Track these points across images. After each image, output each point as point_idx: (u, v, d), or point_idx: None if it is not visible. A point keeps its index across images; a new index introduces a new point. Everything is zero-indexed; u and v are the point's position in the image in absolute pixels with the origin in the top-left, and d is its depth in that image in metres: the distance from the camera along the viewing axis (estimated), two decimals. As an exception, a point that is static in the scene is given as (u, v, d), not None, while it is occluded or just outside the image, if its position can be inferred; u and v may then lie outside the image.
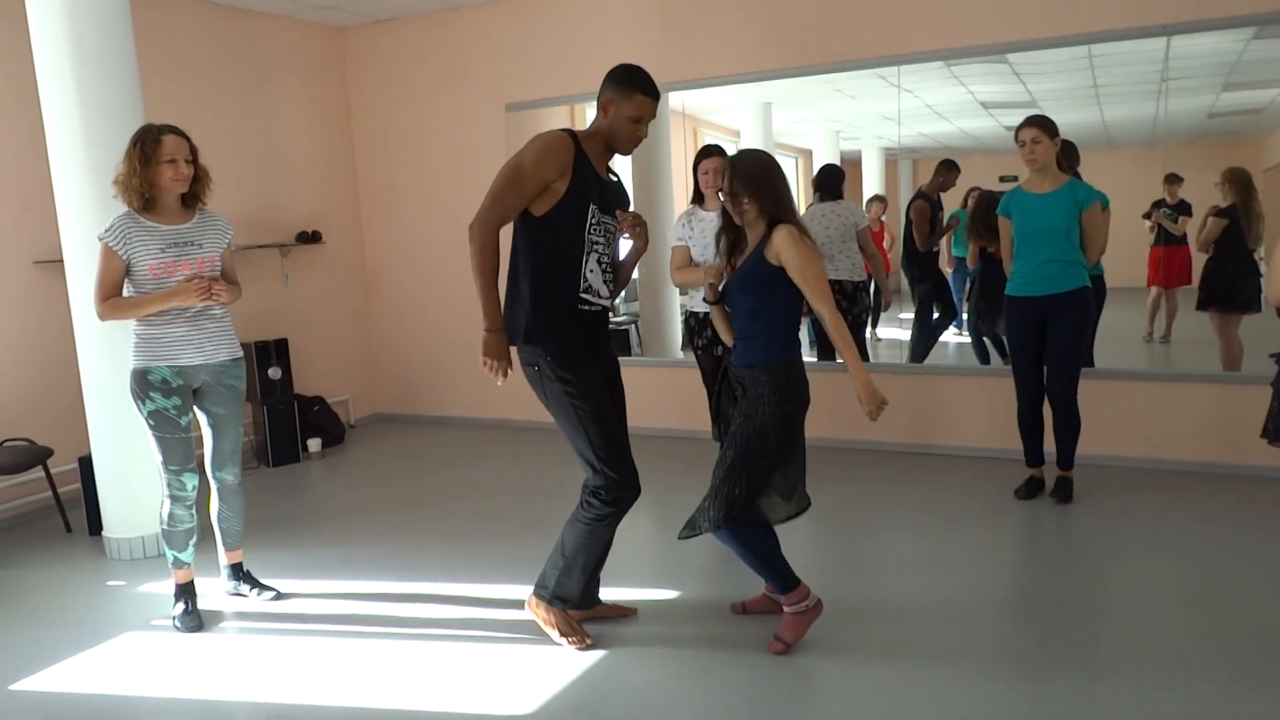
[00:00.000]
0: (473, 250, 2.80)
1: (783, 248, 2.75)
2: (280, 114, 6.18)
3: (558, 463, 5.53)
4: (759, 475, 2.83)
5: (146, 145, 3.17)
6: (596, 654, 3.02)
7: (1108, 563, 3.63)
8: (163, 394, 3.26)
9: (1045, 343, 4.16)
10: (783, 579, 2.91)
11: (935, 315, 5.88)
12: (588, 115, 6.62)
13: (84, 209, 3.99)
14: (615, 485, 2.89)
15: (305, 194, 6.38)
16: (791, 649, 2.93)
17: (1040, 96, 5.59)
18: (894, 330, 6.29)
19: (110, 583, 3.91)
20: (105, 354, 4.05)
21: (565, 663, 2.98)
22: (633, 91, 2.84)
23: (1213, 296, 5.00)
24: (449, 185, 6.47)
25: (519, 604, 3.46)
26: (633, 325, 6.93)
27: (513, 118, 6.20)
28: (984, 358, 5.64)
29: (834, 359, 5.42)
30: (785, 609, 2.95)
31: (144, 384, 3.25)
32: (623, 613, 3.31)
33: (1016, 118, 5.92)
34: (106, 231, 3.20)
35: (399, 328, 6.85)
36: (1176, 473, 4.70)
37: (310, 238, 6.22)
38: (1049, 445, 4.35)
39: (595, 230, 2.88)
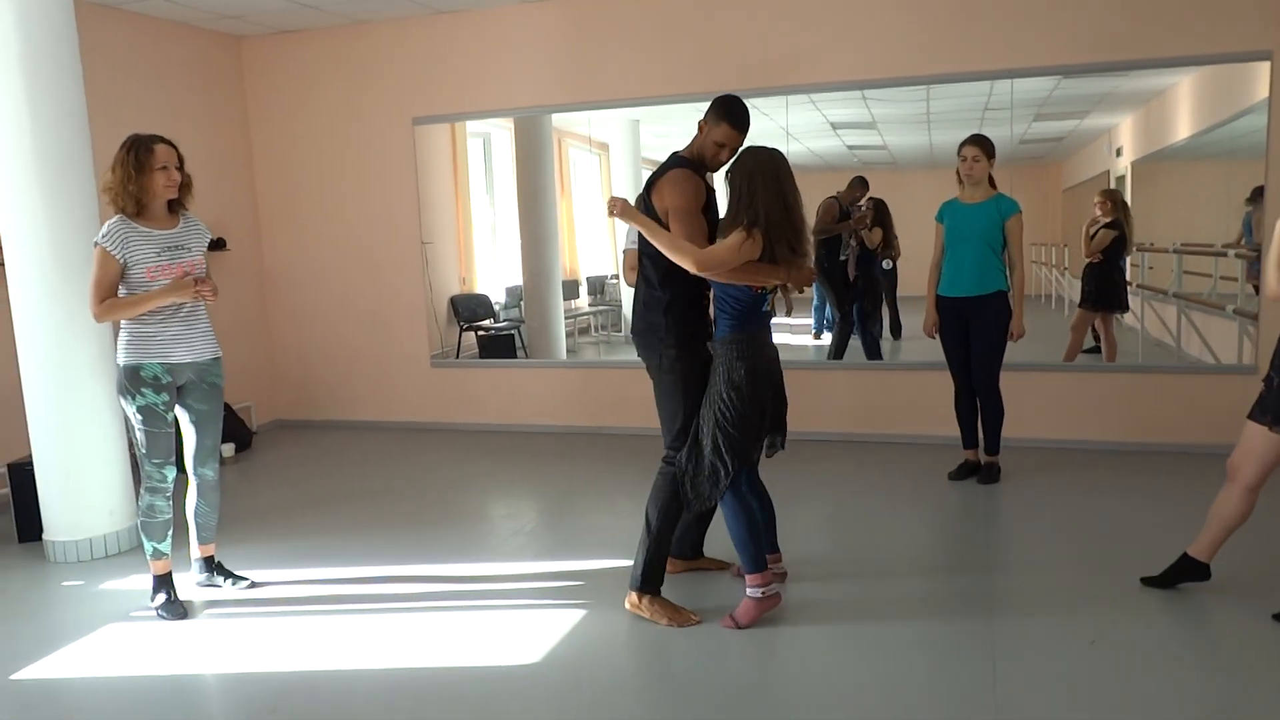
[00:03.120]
0: (710, 268, 3.08)
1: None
2: (178, 121, 6.14)
3: (464, 460, 5.85)
4: (734, 443, 3.14)
5: (140, 154, 3.33)
6: (580, 613, 3.40)
7: (1010, 528, 4.31)
8: (153, 390, 3.41)
9: (969, 338, 4.70)
10: (754, 559, 3.19)
11: (839, 316, 6.52)
12: (469, 129, 6.96)
13: (29, 211, 4.02)
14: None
15: (205, 202, 6.36)
16: (741, 628, 3.19)
17: (881, 119, 6.31)
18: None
19: (66, 583, 3.94)
20: (50, 355, 4.09)
21: (552, 622, 3.33)
22: (720, 121, 3.24)
23: (1105, 299, 5.83)
24: (354, 195, 6.63)
25: (488, 578, 3.81)
26: (516, 330, 7.29)
27: (421, 131, 6.44)
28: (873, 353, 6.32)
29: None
30: (747, 591, 3.22)
31: (135, 380, 3.39)
32: (721, 565, 3.73)
33: (859, 138, 6.67)
34: (104, 236, 3.33)
35: (299, 334, 6.93)
36: (1098, 452, 5.39)
37: (215, 245, 6.23)
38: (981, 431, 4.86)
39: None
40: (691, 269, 3.07)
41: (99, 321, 3.41)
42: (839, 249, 6.44)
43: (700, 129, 3.31)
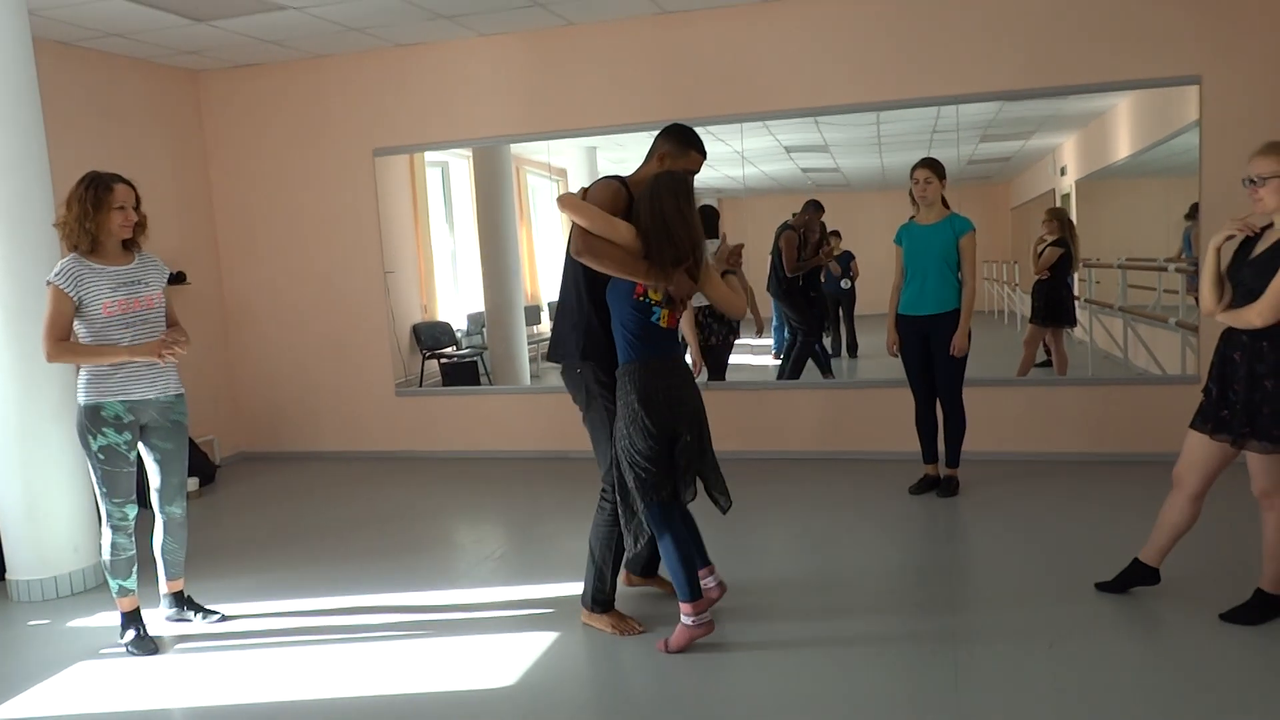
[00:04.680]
0: (592, 260, 3.12)
1: None
2: (137, 157, 6.13)
3: (431, 488, 5.87)
4: (644, 478, 3.14)
5: (99, 191, 3.33)
6: (552, 635, 3.46)
7: (969, 539, 4.43)
8: (114, 429, 3.39)
9: (930, 355, 4.82)
10: (688, 588, 3.20)
11: (790, 335, 6.60)
12: (427, 158, 7.00)
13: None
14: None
15: (165, 235, 6.36)
16: (671, 653, 3.23)
17: (833, 143, 6.45)
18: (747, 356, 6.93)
19: (33, 622, 3.90)
20: (12, 391, 4.06)
21: (524, 646, 3.37)
22: (688, 149, 3.31)
23: (1054, 315, 6.01)
24: (315, 227, 6.65)
25: (460, 605, 3.84)
26: (479, 357, 7.31)
27: (381, 162, 6.49)
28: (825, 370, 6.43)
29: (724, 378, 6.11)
30: (682, 618, 3.23)
31: (96, 419, 3.37)
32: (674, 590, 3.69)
33: (812, 160, 6.82)
34: (56, 275, 3.31)
35: (262, 367, 6.91)
36: (1051, 462, 5.55)
37: (176, 279, 6.22)
38: (943, 445, 4.99)
39: None
40: (572, 211, 3.12)
41: (50, 361, 3.35)
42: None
43: (660, 160, 3.34)
